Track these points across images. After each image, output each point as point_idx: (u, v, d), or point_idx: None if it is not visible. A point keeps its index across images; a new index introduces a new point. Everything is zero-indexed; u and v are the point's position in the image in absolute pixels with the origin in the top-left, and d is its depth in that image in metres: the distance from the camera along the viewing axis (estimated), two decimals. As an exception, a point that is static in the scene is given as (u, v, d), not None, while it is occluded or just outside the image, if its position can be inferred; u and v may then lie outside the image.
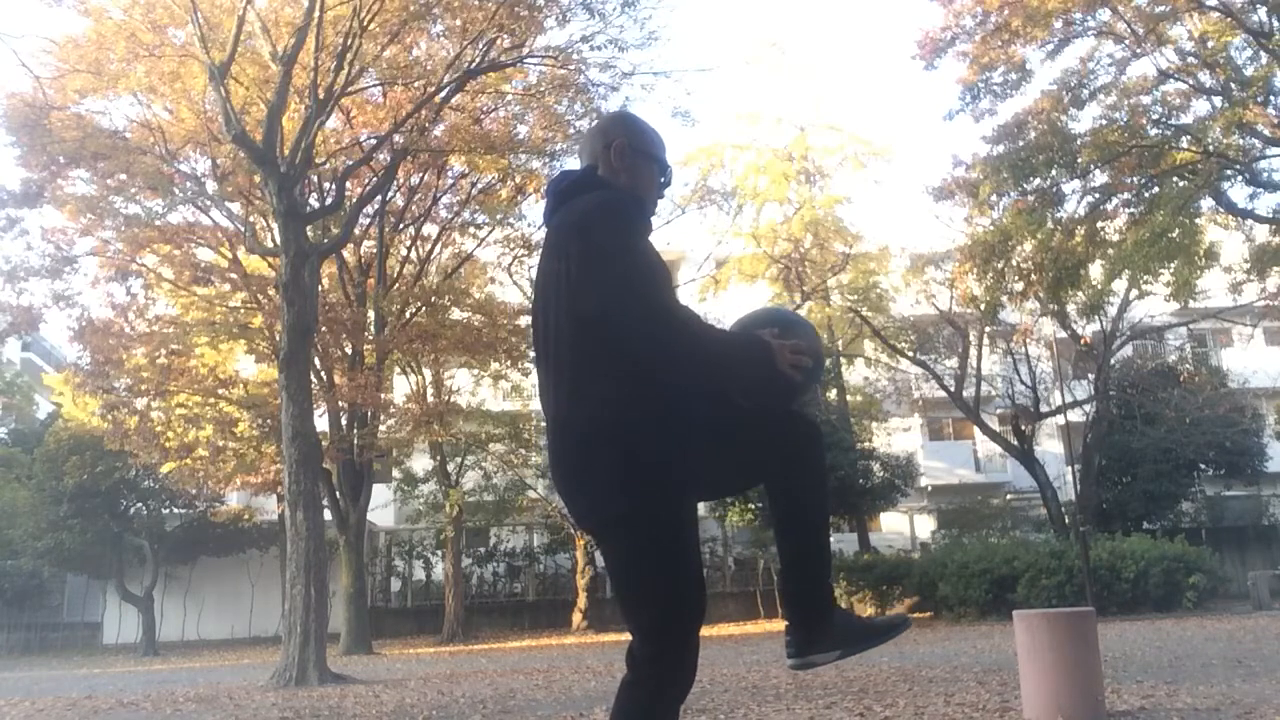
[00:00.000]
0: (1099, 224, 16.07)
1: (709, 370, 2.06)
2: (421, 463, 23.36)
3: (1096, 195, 16.01)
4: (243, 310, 17.72)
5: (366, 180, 15.92)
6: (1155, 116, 15.81)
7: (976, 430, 23.57)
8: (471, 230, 20.81)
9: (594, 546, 21.71)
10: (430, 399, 20.47)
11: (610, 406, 2.02)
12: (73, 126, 14.40)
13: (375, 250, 19.13)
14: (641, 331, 1.97)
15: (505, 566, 25.19)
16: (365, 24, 11.78)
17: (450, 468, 22.43)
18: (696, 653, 2.09)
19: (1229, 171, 15.17)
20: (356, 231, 17.14)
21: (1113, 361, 20.99)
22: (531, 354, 19.66)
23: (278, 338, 13.04)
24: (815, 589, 2.22)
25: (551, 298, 2.11)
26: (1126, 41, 15.31)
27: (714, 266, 23.57)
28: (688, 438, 2.07)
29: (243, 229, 15.18)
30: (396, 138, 14.49)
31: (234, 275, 17.47)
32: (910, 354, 22.37)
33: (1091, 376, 21.36)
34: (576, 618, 21.74)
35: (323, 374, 17.82)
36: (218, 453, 17.92)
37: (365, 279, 19.07)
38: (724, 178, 23.53)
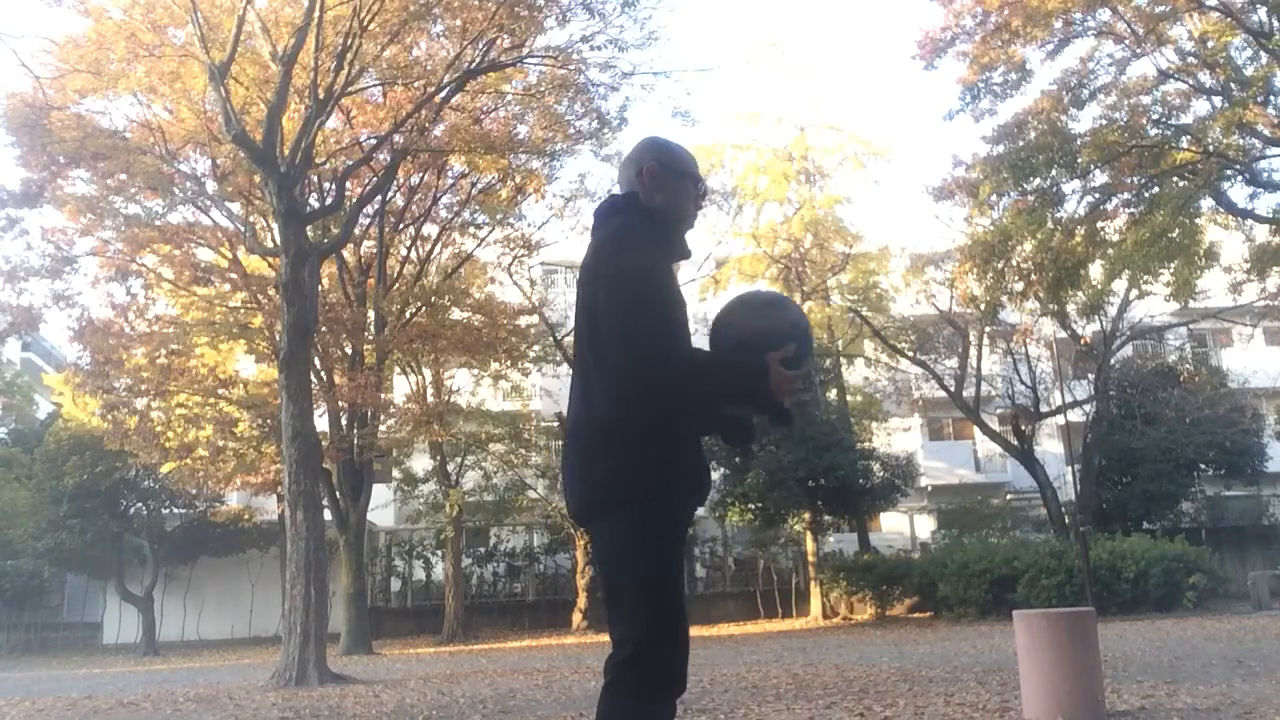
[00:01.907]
0: (1099, 224, 16.06)
1: (701, 403, 2.19)
2: (421, 463, 23.35)
3: (1096, 195, 16.00)
4: (243, 310, 17.71)
5: (366, 180, 15.91)
6: (1155, 116, 15.80)
7: (976, 430, 23.57)
8: (471, 230, 20.79)
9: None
10: (430, 399, 20.47)
11: (621, 408, 2.12)
12: (73, 126, 14.39)
13: (375, 250, 19.12)
14: (634, 370, 2.08)
15: (505, 566, 25.17)
16: (365, 24, 11.77)
17: (450, 468, 22.42)
18: (683, 658, 2.10)
19: (1229, 171, 15.16)
20: (356, 231, 17.14)
21: (1113, 361, 20.99)
22: (531, 354, 19.82)
23: (278, 338, 13.04)
24: None
25: (580, 312, 2.27)
26: (1126, 41, 15.31)
27: (714, 266, 23.55)
28: (692, 440, 2.19)
29: (243, 229, 15.18)
30: (396, 138, 14.48)
31: (234, 275, 17.46)
32: (910, 354, 22.36)
33: (1091, 376, 21.36)
34: (576, 618, 21.73)
35: (323, 374, 17.82)
36: (218, 453, 17.92)
37: (365, 279, 19.06)
38: (724, 178, 23.51)
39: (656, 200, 2.36)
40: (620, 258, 2.17)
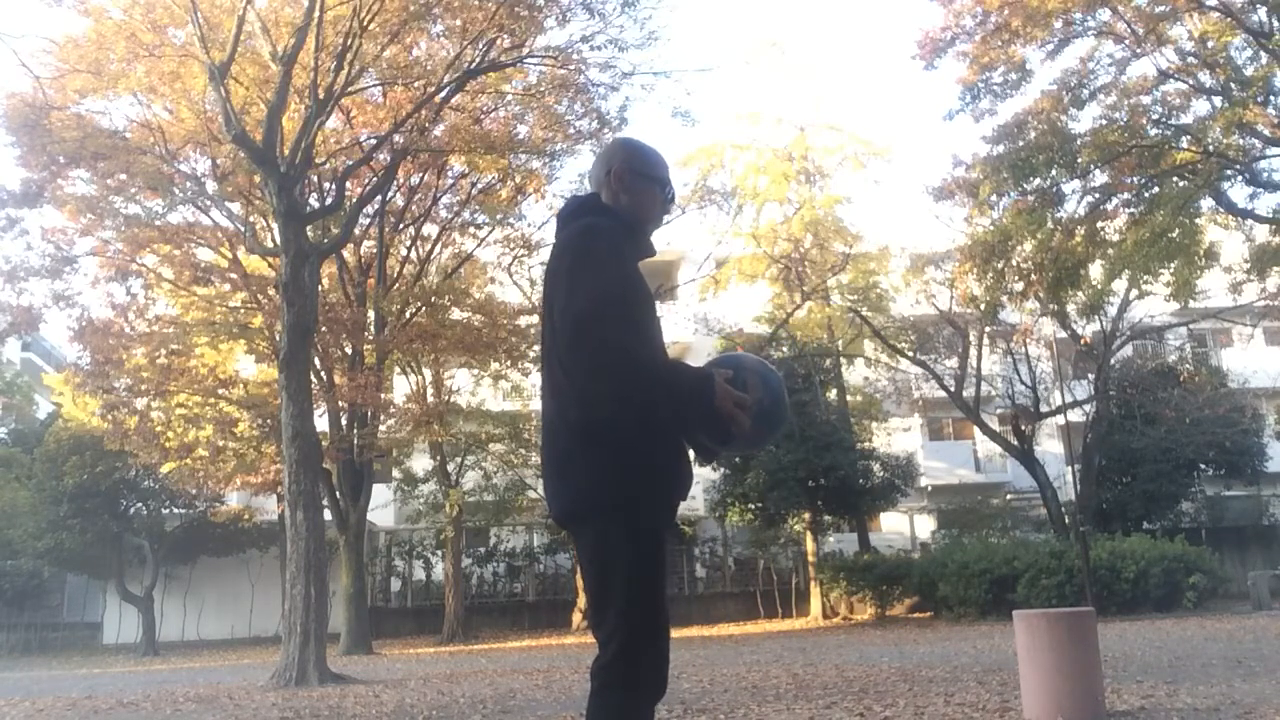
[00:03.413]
0: (1099, 224, 16.05)
1: (651, 404, 2.10)
2: (421, 463, 23.35)
3: (1096, 195, 16.00)
4: (243, 310, 17.71)
5: (366, 180, 15.91)
6: (1155, 116, 15.79)
7: (976, 430, 23.56)
8: (471, 230, 20.79)
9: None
10: (430, 399, 20.47)
11: (600, 409, 2.10)
12: (73, 126, 14.39)
13: (375, 250, 19.12)
14: (582, 363, 2.06)
15: (505, 566, 25.19)
16: (365, 24, 11.77)
17: (450, 468, 22.42)
18: (665, 656, 2.11)
19: (1229, 171, 15.15)
20: (356, 231, 17.14)
21: (1113, 361, 20.98)
22: (531, 354, 19.81)
23: (278, 338, 13.03)
24: None
25: (547, 316, 2.23)
26: (1126, 41, 15.30)
27: (714, 266, 23.53)
28: (673, 445, 2.15)
29: (243, 229, 15.18)
30: (396, 138, 14.48)
31: (234, 275, 17.46)
32: (910, 354, 22.36)
33: (1091, 376, 21.35)
34: (576, 618, 21.73)
35: (323, 374, 17.82)
36: (218, 453, 17.92)
37: (365, 279, 19.06)
38: (724, 178, 23.49)
39: (622, 201, 2.35)
40: (582, 260, 2.14)
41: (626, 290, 2.13)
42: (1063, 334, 21.03)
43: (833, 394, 22.80)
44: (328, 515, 16.06)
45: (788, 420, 2.42)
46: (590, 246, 2.16)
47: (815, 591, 21.55)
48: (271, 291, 15.83)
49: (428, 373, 21.43)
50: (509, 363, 19.85)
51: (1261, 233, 17.40)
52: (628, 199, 2.36)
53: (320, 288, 15.00)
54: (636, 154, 2.42)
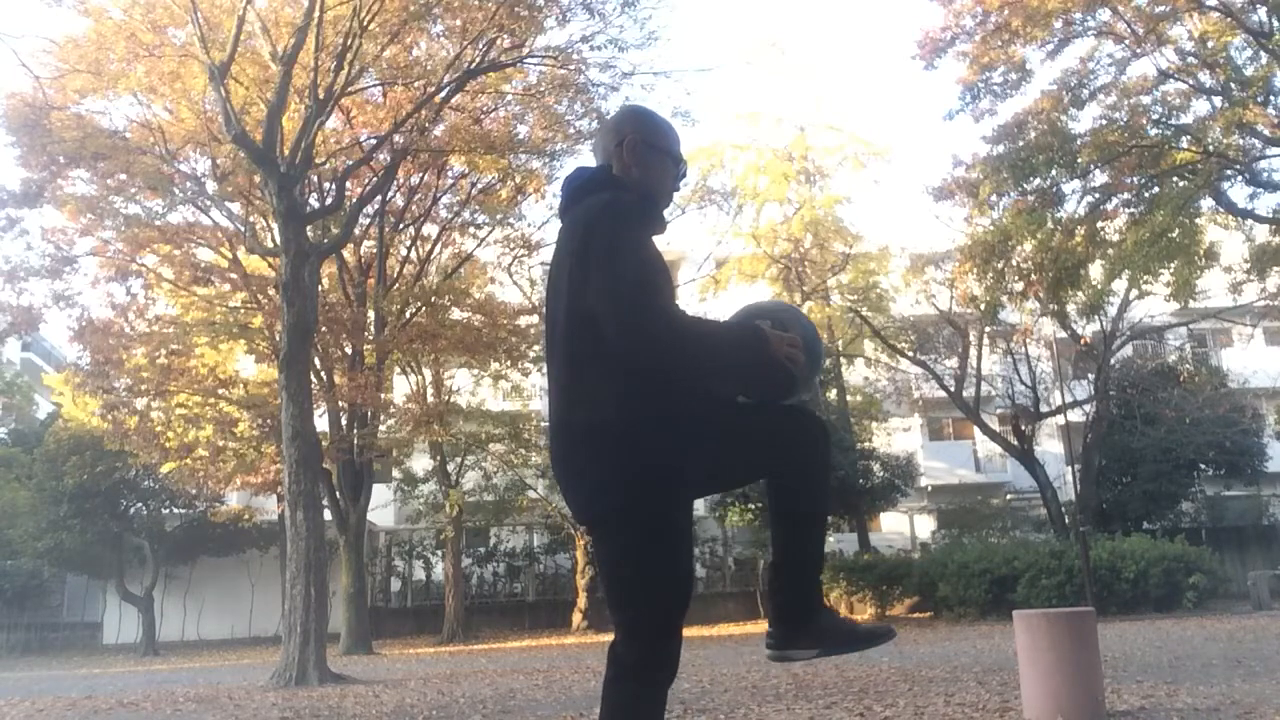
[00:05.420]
0: (1099, 224, 16.06)
1: (704, 365, 2.07)
2: (421, 463, 23.35)
3: (1096, 195, 16.02)
4: (243, 310, 17.71)
5: (366, 180, 15.91)
6: (1155, 116, 15.81)
7: (976, 430, 23.57)
8: (471, 230, 20.80)
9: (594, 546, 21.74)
10: (430, 399, 20.47)
11: (610, 404, 2.03)
12: (73, 126, 14.40)
13: (375, 250, 19.12)
14: (635, 332, 1.97)
15: (505, 566, 25.18)
16: (365, 24, 11.77)
17: (450, 468, 22.42)
18: (679, 645, 2.10)
19: (1229, 171, 15.17)
20: (356, 231, 17.14)
21: (1113, 361, 20.98)
22: (531, 354, 19.82)
23: (278, 338, 13.04)
24: (805, 588, 2.21)
25: (557, 295, 2.14)
26: (1126, 41, 15.31)
27: (714, 266, 23.56)
28: (691, 435, 2.08)
29: (243, 229, 15.19)
30: (396, 138, 14.49)
31: (234, 275, 17.47)
32: (910, 354, 22.36)
33: (1091, 376, 21.35)
34: (576, 618, 21.73)
35: (323, 374, 17.82)
36: (218, 453, 17.92)
37: (365, 279, 19.06)
38: (724, 178, 23.52)
39: (633, 174, 2.23)
40: (614, 242, 2.02)
41: (660, 272, 2.08)
42: (1063, 334, 21.04)
43: (833, 394, 22.81)
44: (328, 515, 16.06)
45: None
46: (617, 227, 2.05)
47: (815, 591, 21.53)
48: (271, 291, 15.84)
49: (428, 373, 21.43)
50: (509, 363, 19.86)
51: (1261, 233, 17.41)
52: (639, 172, 2.23)
53: (320, 288, 15.00)
54: (650, 125, 2.29)
